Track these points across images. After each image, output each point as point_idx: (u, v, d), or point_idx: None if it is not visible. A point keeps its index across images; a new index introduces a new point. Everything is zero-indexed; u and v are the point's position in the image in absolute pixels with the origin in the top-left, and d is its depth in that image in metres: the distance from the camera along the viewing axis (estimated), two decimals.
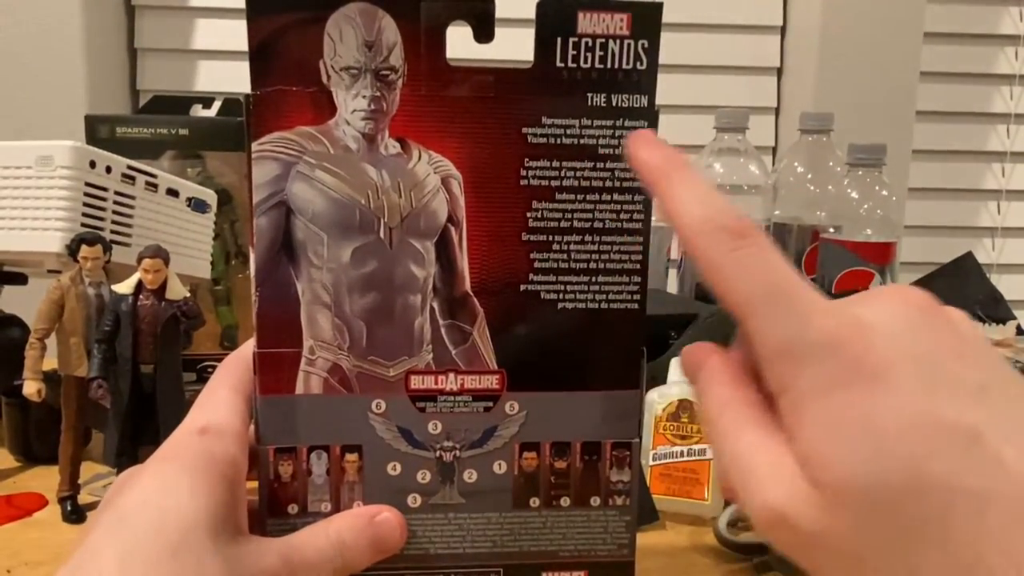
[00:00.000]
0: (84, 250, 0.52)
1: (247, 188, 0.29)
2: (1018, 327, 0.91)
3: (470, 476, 0.32)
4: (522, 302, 0.31)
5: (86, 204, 0.57)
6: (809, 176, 0.95)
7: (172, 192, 0.66)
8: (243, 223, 0.77)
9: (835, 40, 1.29)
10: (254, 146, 0.29)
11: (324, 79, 0.28)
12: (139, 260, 0.49)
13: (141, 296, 0.49)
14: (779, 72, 1.39)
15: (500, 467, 0.32)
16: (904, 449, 0.20)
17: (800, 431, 0.23)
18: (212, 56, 1.30)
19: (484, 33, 0.29)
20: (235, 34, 1.30)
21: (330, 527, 0.30)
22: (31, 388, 0.52)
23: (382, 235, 0.30)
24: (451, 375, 0.31)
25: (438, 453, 0.31)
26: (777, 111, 1.40)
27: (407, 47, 0.28)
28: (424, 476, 0.31)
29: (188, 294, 0.51)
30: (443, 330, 0.31)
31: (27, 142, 0.58)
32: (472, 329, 0.31)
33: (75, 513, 0.52)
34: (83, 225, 0.56)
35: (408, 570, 0.32)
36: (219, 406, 0.30)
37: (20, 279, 0.63)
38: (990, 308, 0.91)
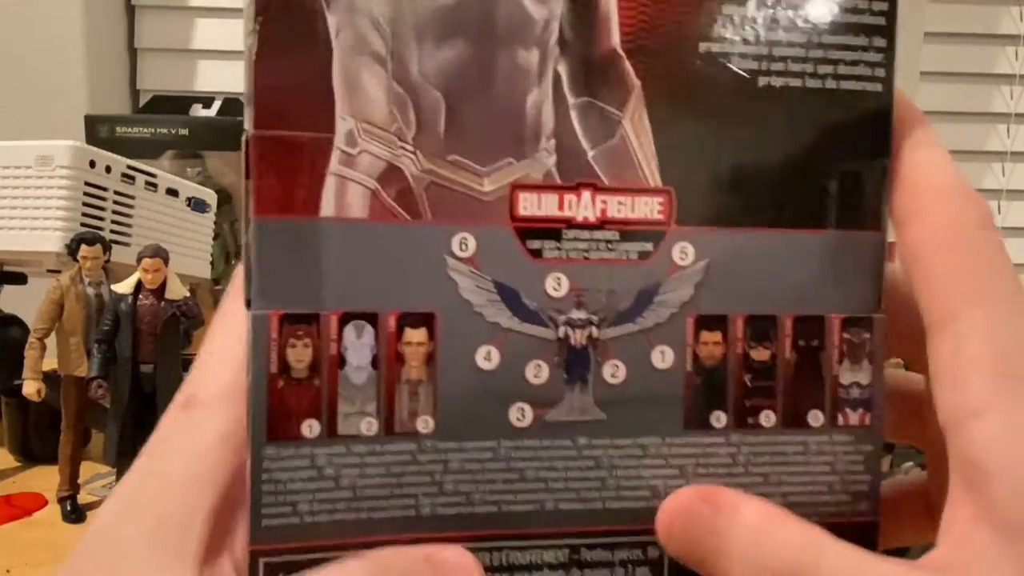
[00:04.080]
0: (84, 250, 0.52)
1: None
2: None
3: (615, 373, 0.19)
4: (702, 72, 0.19)
5: (86, 204, 0.57)
6: None
7: (172, 192, 0.66)
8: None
9: None
10: None
11: None
12: (139, 260, 0.49)
13: (141, 296, 0.49)
14: None
15: (663, 357, 0.20)
16: None
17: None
18: (212, 56, 1.30)
19: None
20: (235, 34, 1.30)
21: None
22: (31, 388, 0.52)
23: None
24: (586, 194, 0.19)
25: (563, 331, 0.19)
26: None
27: None
28: (539, 372, 0.19)
29: (188, 294, 0.51)
30: (574, 114, 0.19)
31: (27, 142, 0.58)
32: (622, 115, 0.19)
33: (75, 513, 0.52)
34: (83, 225, 0.56)
35: (507, 541, 0.19)
36: (214, 363, 0.20)
37: (20, 279, 0.63)
38: None
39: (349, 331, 0.18)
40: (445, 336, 0.19)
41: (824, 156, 0.20)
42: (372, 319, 0.19)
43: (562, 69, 0.19)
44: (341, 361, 0.18)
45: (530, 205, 0.19)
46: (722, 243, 0.20)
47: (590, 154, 0.19)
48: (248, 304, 0.18)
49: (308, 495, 0.18)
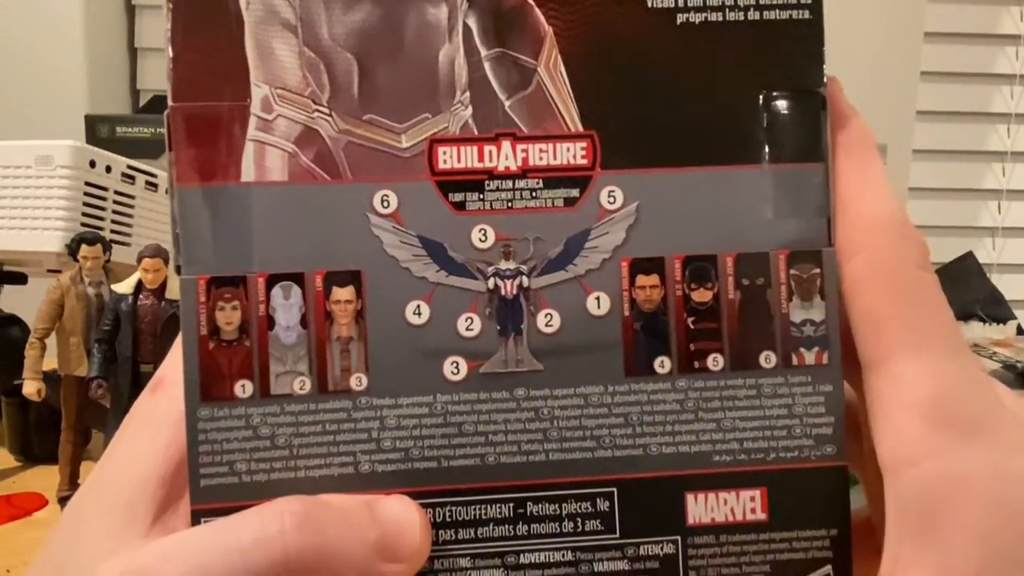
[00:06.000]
0: (84, 250, 0.52)
1: None
2: (1018, 327, 0.91)
3: (549, 322, 0.19)
4: (617, 14, 0.19)
5: (86, 204, 0.57)
6: None
7: None
8: None
9: (835, 40, 1.29)
10: None
11: None
12: (139, 260, 0.49)
13: (141, 296, 0.49)
14: None
15: (599, 304, 0.19)
16: None
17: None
18: None
19: None
20: None
21: (270, 519, 0.17)
22: (31, 388, 0.52)
23: None
24: (506, 144, 0.19)
25: (492, 282, 0.19)
26: None
27: None
28: (470, 324, 0.19)
29: None
30: (487, 65, 0.19)
31: (27, 142, 0.58)
32: (536, 63, 0.19)
33: None
34: (83, 225, 0.56)
35: (450, 496, 0.19)
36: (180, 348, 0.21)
37: (20, 279, 0.63)
38: (990, 308, 0.91)
39: (276, 292, 0.19)
40: (373, 293, 0.19)
41: (753, 90, 0.20)
42: (299, 279, 0.19)
43: (472, 22, 0.19)
44: (270, 322, 0.19)
45: (449, 158, 0.19)
46: (653, 185, 0.19)
47: (507, 104, 0.19)
48: (178, 271, 0.19)
49: (245, 455, 0.18)
